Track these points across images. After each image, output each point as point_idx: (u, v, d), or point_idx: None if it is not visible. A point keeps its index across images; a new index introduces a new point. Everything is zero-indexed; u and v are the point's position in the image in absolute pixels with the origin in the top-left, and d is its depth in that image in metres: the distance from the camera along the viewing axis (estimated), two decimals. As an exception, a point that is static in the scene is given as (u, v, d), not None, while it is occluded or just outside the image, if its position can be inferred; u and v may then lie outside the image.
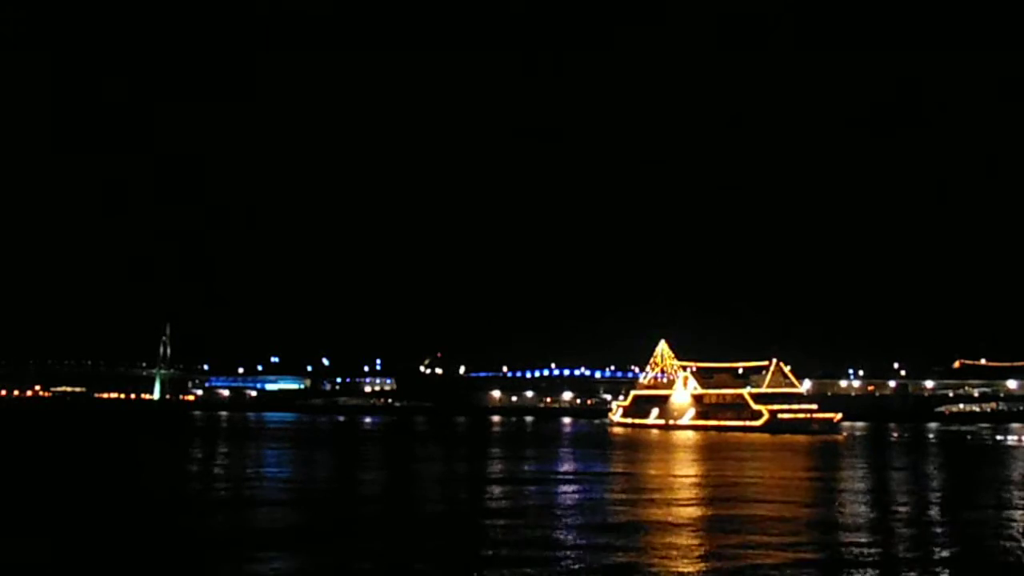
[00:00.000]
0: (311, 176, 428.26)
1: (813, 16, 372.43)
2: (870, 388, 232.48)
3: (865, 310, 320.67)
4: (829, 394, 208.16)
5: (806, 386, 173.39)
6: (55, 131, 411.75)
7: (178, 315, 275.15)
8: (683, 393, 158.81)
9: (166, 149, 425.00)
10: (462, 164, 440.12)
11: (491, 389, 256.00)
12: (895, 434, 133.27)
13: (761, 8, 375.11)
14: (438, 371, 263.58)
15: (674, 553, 30.22)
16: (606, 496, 47.85)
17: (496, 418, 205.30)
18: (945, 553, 31.82)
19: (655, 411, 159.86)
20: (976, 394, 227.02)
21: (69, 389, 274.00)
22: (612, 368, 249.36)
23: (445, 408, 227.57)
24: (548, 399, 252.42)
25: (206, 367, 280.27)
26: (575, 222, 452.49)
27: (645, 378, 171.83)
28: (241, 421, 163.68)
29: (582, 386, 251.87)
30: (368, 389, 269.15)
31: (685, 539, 33.21)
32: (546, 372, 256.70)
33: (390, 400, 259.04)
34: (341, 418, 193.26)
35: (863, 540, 33.64)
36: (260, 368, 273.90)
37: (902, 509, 44.14)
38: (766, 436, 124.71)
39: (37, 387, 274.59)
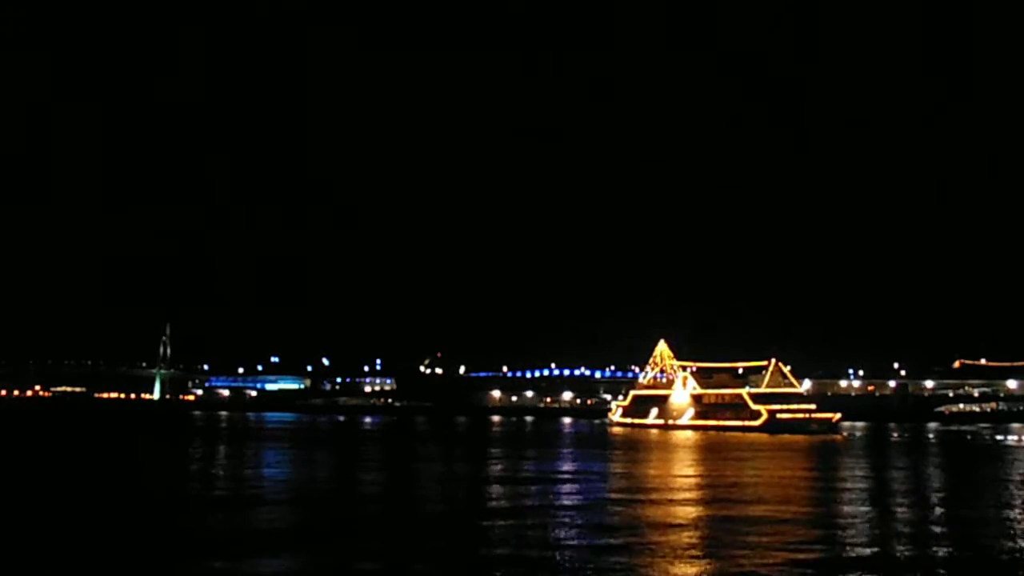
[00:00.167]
0: (310, 176, 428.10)
1: (813, 16, 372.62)
2: (870, 388, 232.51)
3: (865, 310, 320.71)
4: (829, 394, 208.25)
5: (806, 386, 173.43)
6: (54, 131, 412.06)
7: (178, 315, 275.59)
8: (682, 393, 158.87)
9: (166, 147, 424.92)
10: (462, 164, 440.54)
11: (491, 389, 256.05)
12: (895, 434, 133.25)
13: (761, 8, 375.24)
14: (438, 371, 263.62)
15: (673, 553, 30.23)
16: (606, 496, 47.86)
17: (496, 418, 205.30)
18: (945, 553, 31.83)
19: (654, 411, 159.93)
20: (976, 394, 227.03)
21: (69, 389, 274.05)
22: (612, 368, 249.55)
23: (445, 408, 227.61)
24: (548, 399, 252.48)
25: (206, 367, 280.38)
26: (575, 222, 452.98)
27: (644, 378, 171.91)
28: (241, 421, 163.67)
29: (582, 386, 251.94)
30: (368, 389, 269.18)
31: (684, 539, 33.23)
32: (546, 372, 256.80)
33: (390, 400, 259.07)
34: (341, 418, 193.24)
35: (862, 540, 33.66)
36: (260, 368, 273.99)
37: (902, 509, 44.17)
38: (765, 436, 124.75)
39: (37, 387, 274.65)
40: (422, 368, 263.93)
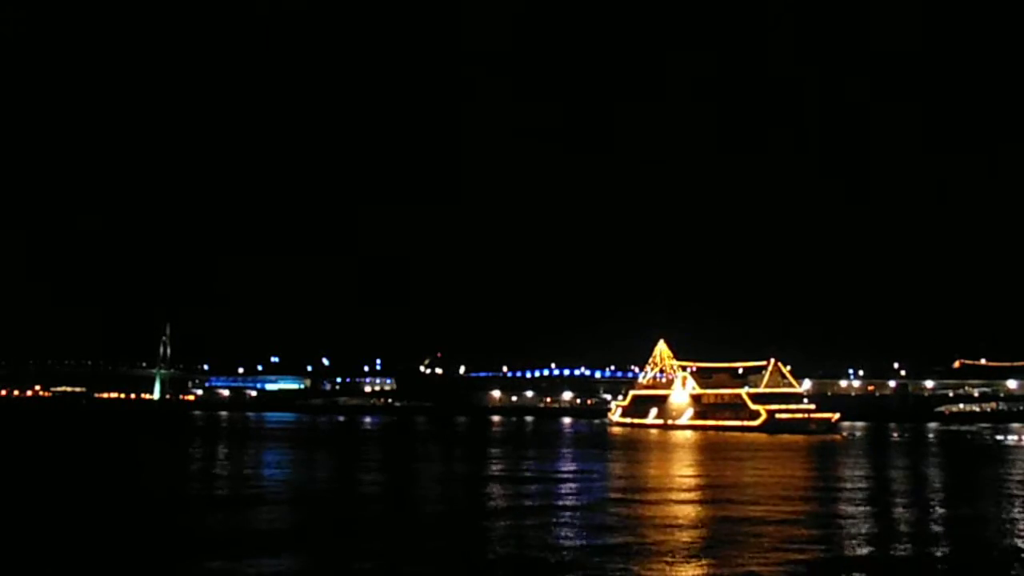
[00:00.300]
0: (309, 176, 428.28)
1: (813, 16, 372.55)
2: (870, 388, 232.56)
3: (865, 310, 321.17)
4: (829, 394, 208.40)
5: (806, 386, 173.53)
6: (55, 130, 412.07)
7: (178, 315, 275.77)
8: (682, 393, 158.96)
9: (166, 147, 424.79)
10: (462, 164, 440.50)
11: (491, 389, 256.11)
12: (895, 434, 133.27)
13: (761, 8, 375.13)
14: (438, 371, 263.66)
15: (673, 553, 30.26)
16: (605, 496, 47.90)
17: (496, 418, 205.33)
18: (945, 553, 31.87)
19: (654, 411, 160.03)
20: (976, 394, 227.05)
21: (69, 389, 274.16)
22: (612, 368, 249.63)
23: (445, 408, 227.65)
24: (548, 399, 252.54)
25: (206, 367, 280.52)
26: (575, 222, 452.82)
27: (644, 378, 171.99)
28: (241, 421, 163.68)
29: (582, 386, 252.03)
30: (368, 389, 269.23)
31: (683, 539, 33.25)
32: (546, 372, 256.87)
33: (390, 400, 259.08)
34: (341, 418, 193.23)
35: (862, 540, 33.68)
36: (260, 368, 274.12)
37: (902, 509, 44.20)
38: (764, 436, 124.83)
39: (37, 387, 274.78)
40: (422, 368, 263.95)
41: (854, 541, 33.27)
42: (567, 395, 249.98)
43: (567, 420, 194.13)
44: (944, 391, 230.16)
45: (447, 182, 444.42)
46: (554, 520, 37.69)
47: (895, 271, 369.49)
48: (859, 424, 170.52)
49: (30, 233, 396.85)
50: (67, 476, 56.39)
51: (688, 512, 41.68)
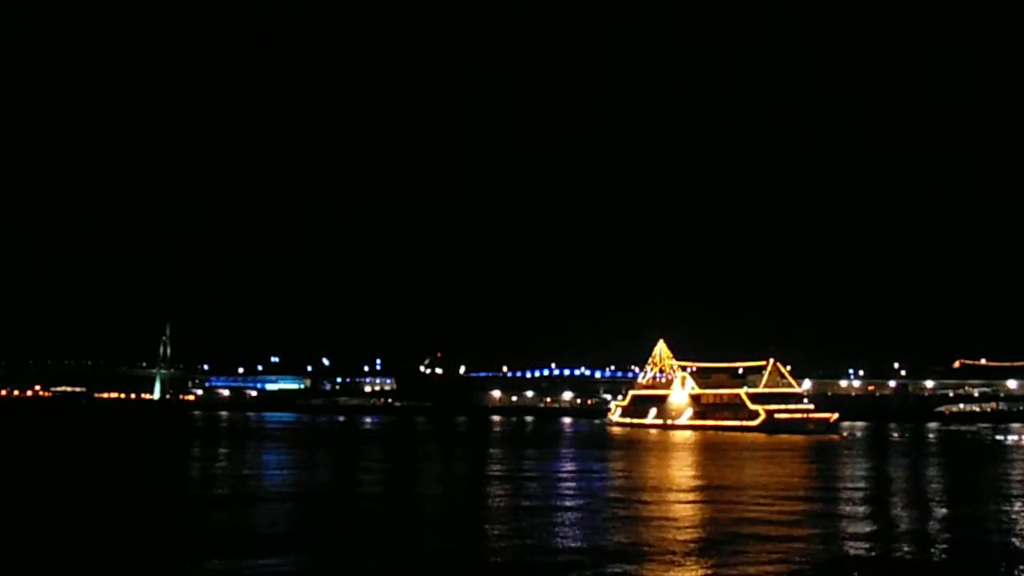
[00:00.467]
0: (309, 175, 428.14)
1: (813, 15, 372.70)
2: (870, 388, 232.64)
3: (865, 310, 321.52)
4: (829, 394, 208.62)
5: (806, 386, 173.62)
6: (55, 130, 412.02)
7: (178, 315, 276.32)
8: (681, 393, 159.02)
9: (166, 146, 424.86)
10: (462, 164, 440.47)
11: (491, 389, 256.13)
12: (895, 434, 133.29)
13: (760, 7, 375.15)
14: (438, 371, 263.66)
15: (672, 553, 30.25)
16: (605, 496, 47.93)
17: (496, 418, 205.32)
18: (945, 553, 31.88)
19: (653, 411, 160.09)
20: (976, 394, 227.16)
21: (69, 389, 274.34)
22: (612, 368, 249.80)
23: (445, 408, 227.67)
24: (548, 399, 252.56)
25: (206, 367, 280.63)
26: (575, 222, 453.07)
27: (643, 378, 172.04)
28: (241, 421, 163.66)
29: (582, 386, 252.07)
30: (368, 389, 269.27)
31: (682, 539, 33.25)
32: (546, 372, 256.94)
33: (390, 400, 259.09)
34: (341, 418, 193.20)
35: (861, 540, 33.66)
36: (260, 368, 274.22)
37: (901, 509, 44.20)
38: (762, 436, 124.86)
39: (37, 387, 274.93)
40: (422, 368, 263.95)
41: (854, 541, 33.26)
42: (567, 395, 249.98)
43: (567, 420, 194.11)
44: (944, 391, 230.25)
45: (447, 182, 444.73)
46: (554, 520, 37.69)
47: (894, 271, 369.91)
48: (859, 424, 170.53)
49: (30, 233, 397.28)
50: (67, 476, 56.39)
51: (687, 512, 41.70)
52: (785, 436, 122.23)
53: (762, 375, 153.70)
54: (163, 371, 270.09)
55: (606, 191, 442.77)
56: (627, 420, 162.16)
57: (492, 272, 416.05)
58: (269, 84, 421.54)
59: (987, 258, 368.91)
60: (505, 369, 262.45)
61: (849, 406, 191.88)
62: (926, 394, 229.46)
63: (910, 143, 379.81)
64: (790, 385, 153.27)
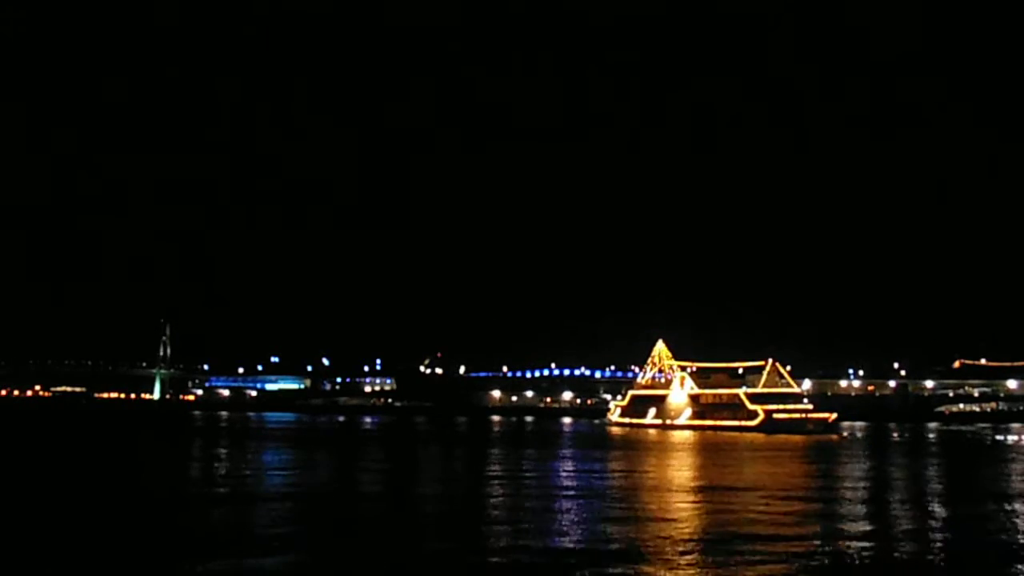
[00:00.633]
0: (309, 175, 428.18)
1: (814, 14, 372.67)
2: (870, 388, 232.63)
3: (864, 310, 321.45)
4: (829, 394, 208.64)
5: (806, 386, 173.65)
6: (54, 130, 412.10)
7: (178, 315, 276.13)
8: (680, 393, 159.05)
9: (166, 148, 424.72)
10: (462, 164, 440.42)
11: (491, 389, 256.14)
12: (895, 434, 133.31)
13: (760, 7, 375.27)
14: (438, 371, 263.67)
15: (671, 553, 30.28)
16: (604, 495, 47.97)
17: (496, 418, 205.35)
18: (945, 553, 31.90)
19: (652, 411, 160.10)
20: (976, 394, 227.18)
21: (69, 389, 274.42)
22: (612, 368, 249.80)
23: (445, 408, 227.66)
24: (548, 399, 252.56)
25: (206, 367, 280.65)
26: (575, 222, 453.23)
27: (643, 378, 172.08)
28: (241, 421, 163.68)
29: (582, 386, 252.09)
30: (368, 389, 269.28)
31: (681, 539, 33.27)
32: (546, 372, 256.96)
33: (390, 400, 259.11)
34: (341, 418, 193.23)
35: (861, 540, 33.68)
36: (260, 368, 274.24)
37: (901, 509, 44.22)
38: (761, 436, 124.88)
39: (37, 387, 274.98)
40: (422, 368, 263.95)
41: (853, 541, 33.26)
42: (567, 395, 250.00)
43: (567, 420, 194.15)
44: (944, 391, 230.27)
45: (446, 183, 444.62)
46: (553, 520, 37.73)
47: (894, 271, 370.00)
48: (859, 424, 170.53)
49: (30, 233, 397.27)
50: (67, 476, 56.41)
51: (686, 512, 41.70)
52: (784, 436, 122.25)
53: (761, 375, 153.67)
54: (163, 371, 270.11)
55: (606, 191, 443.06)
56: (626, 420, 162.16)
57: (492, 272, 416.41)
58: (269, 84, 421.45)
59: (987, 258, 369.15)
60: (505, 369, 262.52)
61: (849, 406, 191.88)
62: (926, 394, 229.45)
63: (911, 143, 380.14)
64: (789, 385, 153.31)
